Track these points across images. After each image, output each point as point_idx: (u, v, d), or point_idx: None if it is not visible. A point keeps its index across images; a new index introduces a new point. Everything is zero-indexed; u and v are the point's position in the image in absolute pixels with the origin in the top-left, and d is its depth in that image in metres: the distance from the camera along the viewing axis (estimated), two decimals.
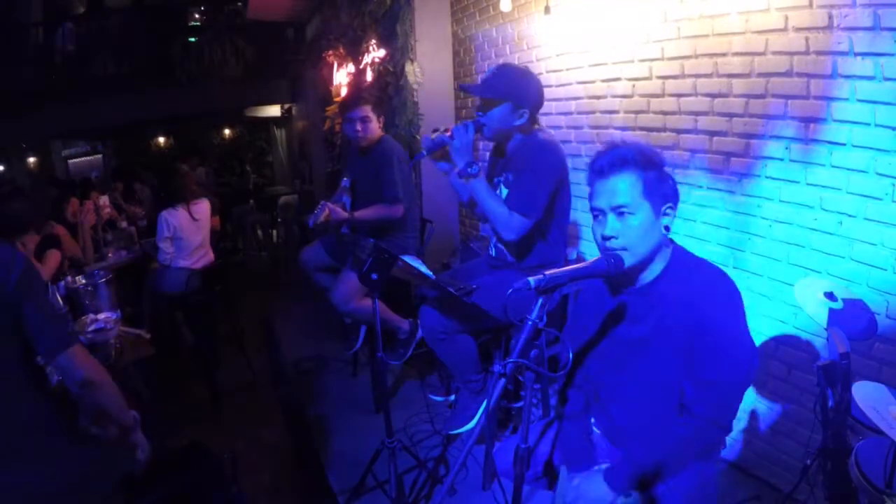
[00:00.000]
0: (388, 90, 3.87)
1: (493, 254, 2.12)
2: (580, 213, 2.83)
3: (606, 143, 1.25)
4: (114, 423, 1.30)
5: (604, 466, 1.30)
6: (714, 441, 1.29)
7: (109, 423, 1.29)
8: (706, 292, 1.18)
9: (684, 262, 1.25)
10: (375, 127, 2.76)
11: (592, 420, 1.47)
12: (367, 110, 2.72)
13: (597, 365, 1.37)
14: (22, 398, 1.18)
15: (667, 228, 1.21)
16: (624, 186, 1.18)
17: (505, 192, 1.98)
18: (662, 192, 1.20)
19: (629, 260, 1.18)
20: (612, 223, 1.19)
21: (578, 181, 2.77)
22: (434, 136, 1.93)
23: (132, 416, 1.36)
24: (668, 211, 1.21)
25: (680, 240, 2.19)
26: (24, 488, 1.15)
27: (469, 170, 1.86)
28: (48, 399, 1.24)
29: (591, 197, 1.24)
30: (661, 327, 1.22)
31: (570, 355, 1.36)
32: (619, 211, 1.18)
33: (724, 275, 1.22)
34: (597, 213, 1.22)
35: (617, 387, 1.35)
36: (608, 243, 1.19)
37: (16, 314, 1.15)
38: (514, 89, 1.88)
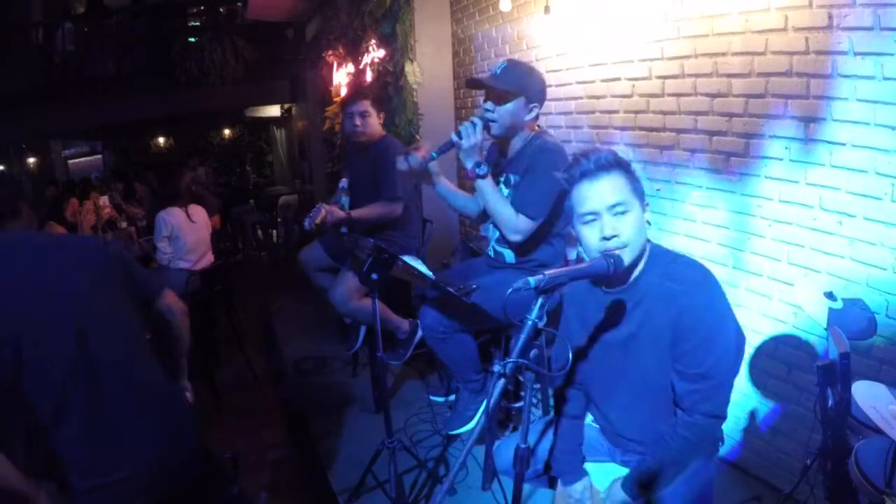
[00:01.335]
0: (388, 90, 3.87)
1: (492, 255, 2.12)
2: None
3: (579, 151, 1.27)
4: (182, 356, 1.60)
5: (618, 477, 1.30)
6: (715, 433, 1.30)
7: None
8: (685, 284, 1.19)
9: (661, 256, 1.26)
10: (375, 123, 2.74)
11: (591, 419, 1.48)
12: (367, 105, 2.70)
13: (587, 367, 1.36)
14: (150, 369, 1.38)
15: (647, 223, 1.25)
16: (616, 185, 1.20)
17: (505, 191, 1.98)
18: (641, 190, 1.24)
19: (629, 256, 1.19)
20: (610, 222, 1.18)
21: None
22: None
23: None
24: (646, 207, 1.25)
25: (680, 240, 2.21)
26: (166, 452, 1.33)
27: (478, 170, 1.85)
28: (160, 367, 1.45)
29: (578, 203, 1.23)
30: (647, 323, 1.23)
31: (570, 355, 1.36)
32: (616, 210, 1.19)
33: (699, 265, 1.24)
34: (591, 217, 1.21)
35: (609, 388, 1.34)
36: (610, 243, 1.18)
37: (127, 273, 1.39)
38: (528, 84, 1.86)
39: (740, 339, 1.25)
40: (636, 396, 1.29)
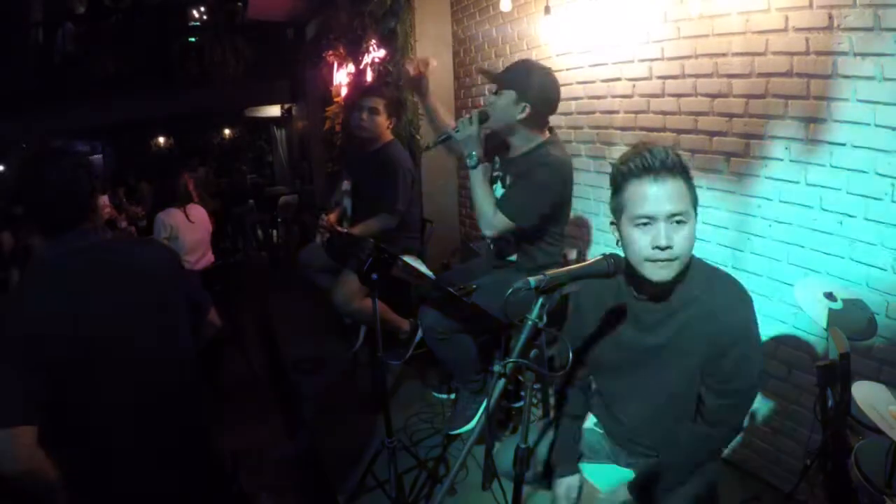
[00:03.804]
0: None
1: (492, 249, 2.13)
2: (580, 213, 2.83)
3: (642, 143, 1.15)
4: None
5: (627, 478, 1.31)
6: (729, 442, 1.31)
7: None
8: (726, 302, 1.15)
9: (700, 269, 1.19)
10: (382, 123, 2.72)
11: (594, 421, 1.47)
12: (380, 103, 2.69)
13: (604, 368, 1.34)
14: (192, 404, 1.38)
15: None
16: (679, 192, 1.09)
17: (500, 191, 1.99)
18: (697, 200, 1.14)
19: (676, 270, 1.12)
20: (666, 231, 1.09)
21: (578, 181, 2.77)
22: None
23: None
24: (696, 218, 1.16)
25: None
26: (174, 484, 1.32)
27: (468, 161, 1.89)
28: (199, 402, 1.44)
29: (632, 202, 1.11)
30: (681, 336, 1.18)
31: (570, 355, 1.35)
32: (675, 219, 1.09)
33: (737, 282, 1.19)
34: (645, 220, 1.10)
35: (627, 392, 1.32)
36: (662, 254, 1.09)
37: (185, 283, 1.40)
38: (519, 80, 1.86)
39: (762, 357, 1.23)
40: (656, 404, 1.27)
